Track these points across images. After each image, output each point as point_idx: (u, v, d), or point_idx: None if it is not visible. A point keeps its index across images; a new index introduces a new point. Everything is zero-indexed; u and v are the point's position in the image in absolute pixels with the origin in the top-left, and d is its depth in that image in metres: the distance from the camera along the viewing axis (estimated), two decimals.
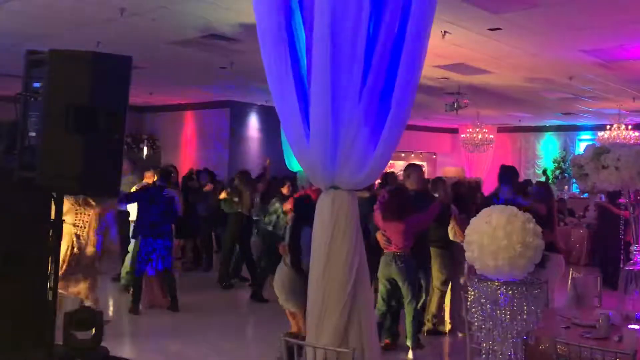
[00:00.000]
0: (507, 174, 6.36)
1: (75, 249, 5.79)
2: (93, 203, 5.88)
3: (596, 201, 10.52)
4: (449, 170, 18.51)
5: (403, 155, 20.37)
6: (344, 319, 3.55)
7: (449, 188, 6.94)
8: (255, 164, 15.60)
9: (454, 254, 6.51)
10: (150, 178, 8.13)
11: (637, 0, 6.35)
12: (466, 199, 7.20)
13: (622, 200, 5.54)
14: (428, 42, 3.48)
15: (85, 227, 5.85)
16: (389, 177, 8.22)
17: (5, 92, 10.79)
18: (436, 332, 6.59)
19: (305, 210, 5.28)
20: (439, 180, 7.22)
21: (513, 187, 6.20)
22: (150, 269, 7.19)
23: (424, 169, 21.20)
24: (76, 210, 5.80)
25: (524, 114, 16.41)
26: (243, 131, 16.40)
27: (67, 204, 5.72)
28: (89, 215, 5.86)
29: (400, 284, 5.78)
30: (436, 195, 6.57)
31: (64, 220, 5.62)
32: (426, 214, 5.86)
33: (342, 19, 3.27)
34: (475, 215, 3.17)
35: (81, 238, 5.84)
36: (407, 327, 5.85)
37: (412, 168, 6.60)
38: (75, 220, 5.81)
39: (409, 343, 5.83)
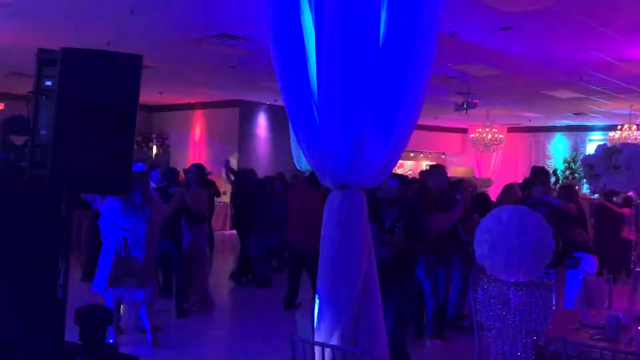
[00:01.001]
0: (540, 175, 6.43)
1: (123, 253, 5.54)
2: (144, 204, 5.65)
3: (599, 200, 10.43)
4: (459, 170, 18.45)
5: (412, 155, 20.33)
6: (353, 318, 3.54)
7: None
8: (264, 163, 15.63)
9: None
10: None
11: None
12: (482, 198, 7.28)
13: (632, 194, 5.52)
14: (438, 41, 3.47)
15: (134, 231, 5.58)
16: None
17: (17, 91, 10.83)
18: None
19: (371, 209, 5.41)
20: (460, 182, 7.30)
21: (545, 188, 6.26)
22: None
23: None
24: (124, 213, 5.56)
25: (534, 113, 16.33)
26: (252, 130, 16.44)
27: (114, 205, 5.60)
28: (137, 217, 5.60)
29: (422, 278, 6.21)
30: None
31: (113, 223, 5.53)
32: (450, 213, 6.06)
33: (352, 18, 3.26)
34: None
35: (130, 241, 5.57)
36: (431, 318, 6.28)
37: (436, 169, 6.92)
38: (124, 223, 5.57)
39: (429, 333, 6.31)
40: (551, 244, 2.88)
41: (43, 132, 2.98)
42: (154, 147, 17.73)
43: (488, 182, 16.43)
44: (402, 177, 5.70)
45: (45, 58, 3.04)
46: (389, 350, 3.82)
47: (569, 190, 6.62)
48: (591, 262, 6.06)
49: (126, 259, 5.53)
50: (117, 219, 5.57)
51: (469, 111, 12.13)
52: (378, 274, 4.86)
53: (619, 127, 14.87)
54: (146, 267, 5.65)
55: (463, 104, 11.91)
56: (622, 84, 10.92)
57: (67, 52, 2.94)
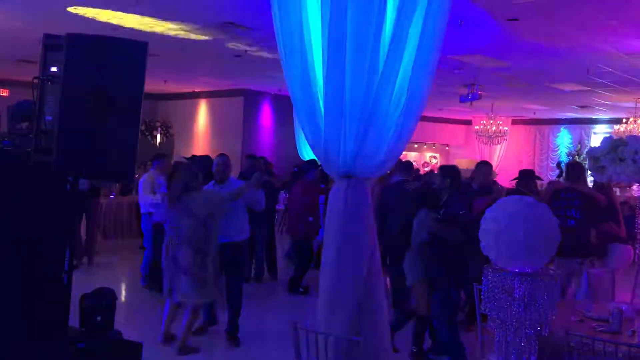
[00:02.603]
0: (575, 170, 6.51)
1: (170, 251, 5.37)
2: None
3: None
4: (462, 162, 18.42)
5: (416, 146, 20.30)
6: (356, 309, 3.55)
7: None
8: (268, 153, 15.62)
9: None
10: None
11: None
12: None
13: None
14: (445, 31, 3.45)
15: (178, 227, 5.36)
16: (406, 166, 8.13)
17: (23, 78, 10.83)
18: None
19: (426, 198, 5.64)
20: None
21: (580, 182, 6.39)
22: None
23: (436, 160, 21.21)
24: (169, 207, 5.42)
25: (539, 106, 16.27)
26: (256, 120, 16.42)
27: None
28: (179, 211, 5.37)
29: None
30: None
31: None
32: (488, 197, 6.18)
33: (359, 7, 3.24)
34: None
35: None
36: None
37: (483, 165, 7.16)
38: (170, 218, 5.41)
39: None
40: (557, 235, 2.88)
41: (48, 118, 2.98)
42: (158, 136, 17.73)
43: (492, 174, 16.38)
44: (444, 169, 5.97)
45: (50, 43, 3.04)
46: (391, 339, 3.84)
47: (602, 184, 6.69)
48: (622, 253, 6.18)
49: (173, 257, 5.32)
50: (167, 215, 5.49)
51: (474, 103, 12.10)
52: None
53: (624, 120, 14.81)
54: (197, 267, 5.26)
55: (468, 95, 11.87)
56: (629, 77, 10.86)
57: (72, 37, 2.93)
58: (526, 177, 7.32)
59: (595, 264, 6.02)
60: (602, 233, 6.16)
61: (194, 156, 9.27)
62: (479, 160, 7.36)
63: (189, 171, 5.63)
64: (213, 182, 5.91)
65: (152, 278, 7.76)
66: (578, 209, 5.96)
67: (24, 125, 3.27)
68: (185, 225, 5.26)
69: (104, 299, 3.10)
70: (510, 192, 7.13)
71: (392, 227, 7.11)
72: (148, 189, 7.68)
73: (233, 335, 5.87)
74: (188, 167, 5.71)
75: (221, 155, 6.24)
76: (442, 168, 5.83)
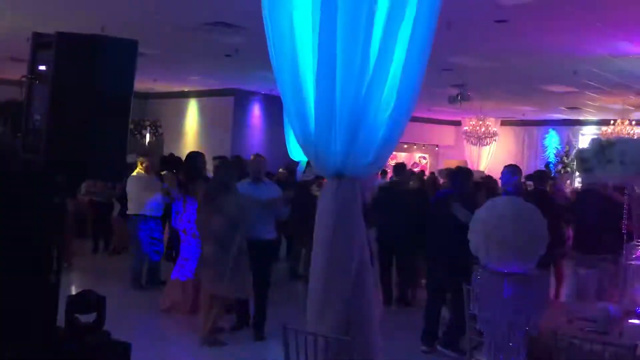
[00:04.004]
0: None
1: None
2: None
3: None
4: (451, 163, 18.46)
5: (405, 146, 20.33)
6: (345, 309, 3.55)
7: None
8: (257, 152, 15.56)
9: None
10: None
11: None
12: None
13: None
14: (435, 32, 3.46)
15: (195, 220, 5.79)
16: (400, 169, 8.22)
17: (11, 76, 10.73)
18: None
19: None
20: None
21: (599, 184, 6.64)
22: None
23: (425, 161, 21.23)
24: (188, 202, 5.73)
25: (528, 107, 16.36)
26: (246, 119, 16.38)
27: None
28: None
29: None
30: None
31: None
32: None
33: (350, 6, 3.25)
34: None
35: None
36: None
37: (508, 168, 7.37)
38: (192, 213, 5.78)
39: None
40: (545, 235, 2.89)
41: (36, 117, 2.95)
42: (147, 135, 17.65)
43: (481, 175, 16.45)
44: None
45: (40, 42, 3.01)
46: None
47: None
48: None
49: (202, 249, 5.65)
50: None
51: (463, 104, 12.15)
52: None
53: (612, 121, 14.92)
54: (219, 262, 5.50)
55: (457, 96, 11.92)
56: (616, 79, 10.95)
57: (62, 36, 2.90)
58: (541, 177, 7.51)
59: (609, 260, 6.16)
60: (620, 231, 6.32)
61: (163, 156, 9.35)
62: (505, 164, 7.67)
63: (228, 171, 5.83)
64: (248, 181, 6.05)
65: (135, 278, 7.78)
66: (597, 209, 6.24)
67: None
68: (216, 223, 5.43)
69: (92, 300, 3.07)
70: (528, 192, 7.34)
71: (385, 222, 7.42)
72: (145, 188, 7.67)
73: (258, 331, 6.00)
74: (226, 166, 5.92)
75: (257, 155, 6.41)
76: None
